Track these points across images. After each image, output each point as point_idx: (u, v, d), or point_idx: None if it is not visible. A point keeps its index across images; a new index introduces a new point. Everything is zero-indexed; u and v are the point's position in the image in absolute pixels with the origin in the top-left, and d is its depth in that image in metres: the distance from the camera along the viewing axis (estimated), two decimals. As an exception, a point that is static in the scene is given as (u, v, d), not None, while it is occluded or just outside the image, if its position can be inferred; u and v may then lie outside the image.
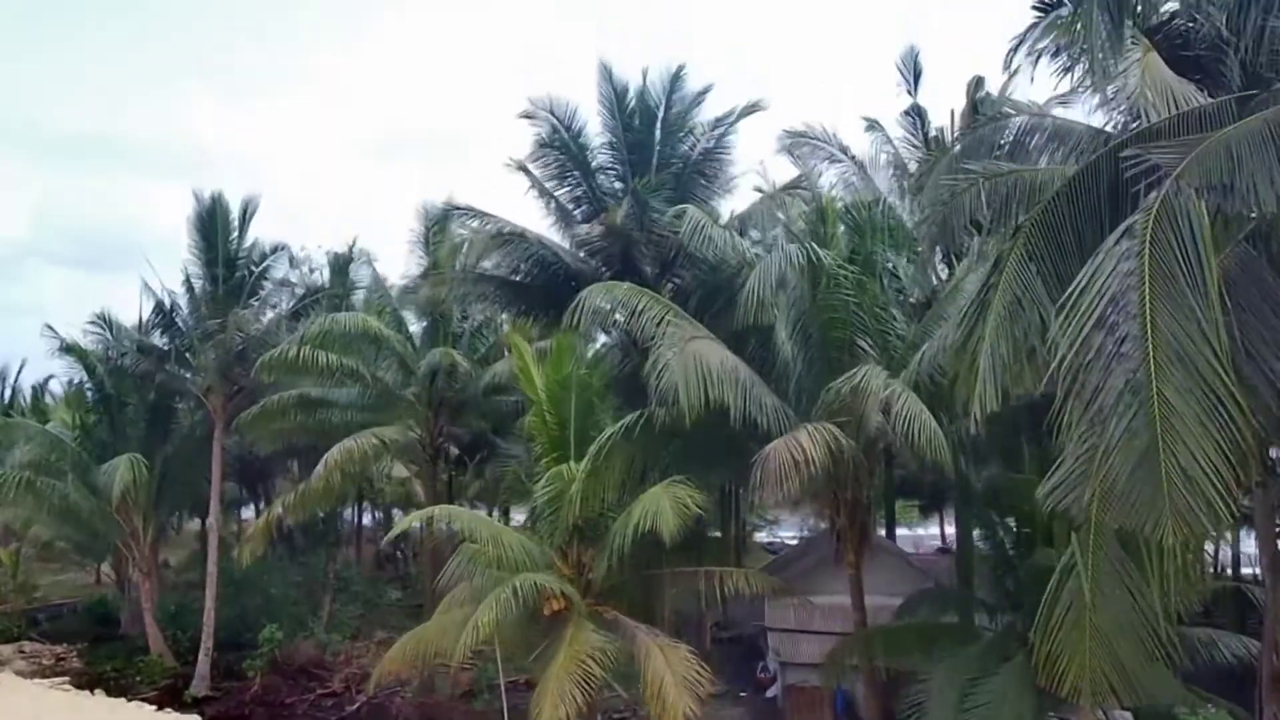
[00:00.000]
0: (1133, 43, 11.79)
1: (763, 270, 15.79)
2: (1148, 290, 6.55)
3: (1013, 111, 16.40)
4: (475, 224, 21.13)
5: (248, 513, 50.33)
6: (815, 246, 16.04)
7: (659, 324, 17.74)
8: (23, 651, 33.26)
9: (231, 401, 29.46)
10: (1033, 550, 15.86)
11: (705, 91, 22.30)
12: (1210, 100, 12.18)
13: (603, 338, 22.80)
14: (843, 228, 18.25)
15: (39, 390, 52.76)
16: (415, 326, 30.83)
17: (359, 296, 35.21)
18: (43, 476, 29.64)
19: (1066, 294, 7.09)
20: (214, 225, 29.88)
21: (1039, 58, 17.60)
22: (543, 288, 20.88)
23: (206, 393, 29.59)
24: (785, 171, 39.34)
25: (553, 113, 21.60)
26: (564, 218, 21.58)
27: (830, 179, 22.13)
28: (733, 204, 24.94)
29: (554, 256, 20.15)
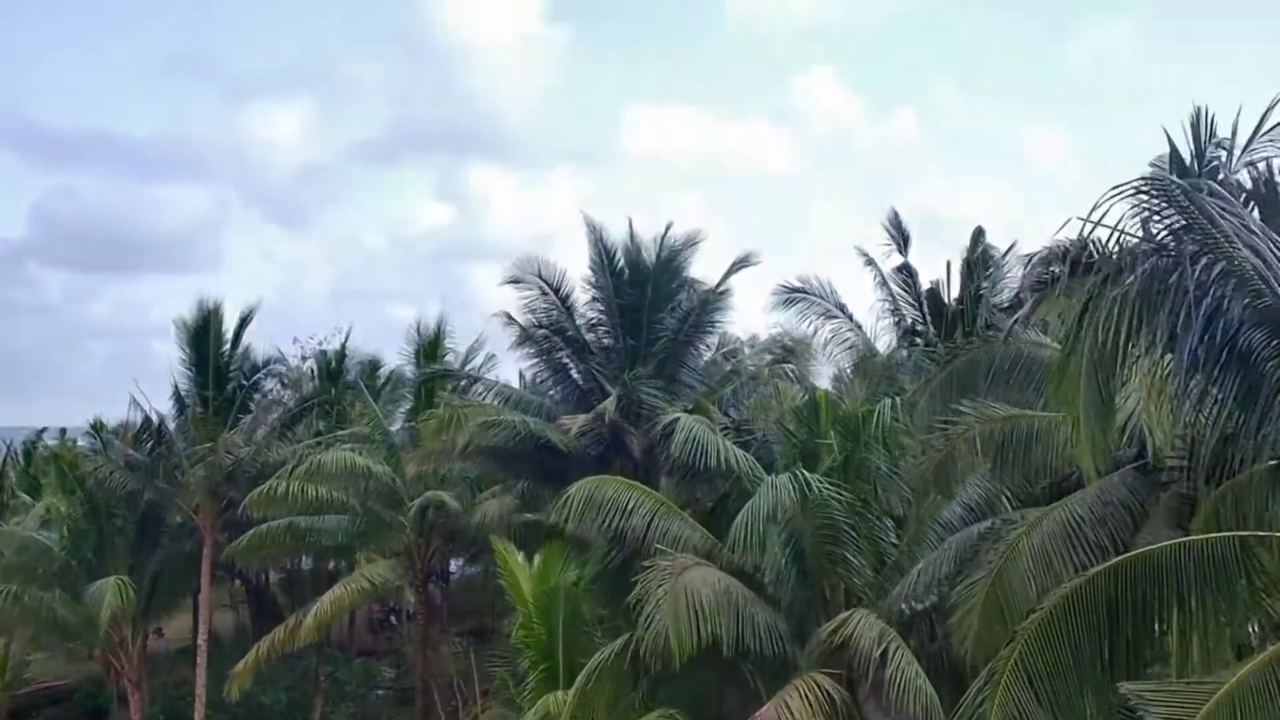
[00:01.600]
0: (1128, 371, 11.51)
1: (753, 509, 15.56)
2: None
3: (1006, 336, 16.16)
4: (461, 391, 20.99)
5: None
6: (805, 475, 15.80)
7: (651, 520, 17.60)
8: (9, 757, 33.04)
9: (221, 518, 29.30)
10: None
11: (696, 241, 22.17)
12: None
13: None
14: (836, 421, 18.00)
15: (30, 449, 52.43)
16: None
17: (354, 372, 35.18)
18: (30, 588, 29.55)
19: None
20: (206, 339, 29.66)
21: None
22: (531, 456, 20.72)
23: (196, 509, 29.35)
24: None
25: (540, 275, 21.41)
26: (555, 379, 21.42)
27: (825, 334, 22.00)
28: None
29: (543, 433, 19.94)
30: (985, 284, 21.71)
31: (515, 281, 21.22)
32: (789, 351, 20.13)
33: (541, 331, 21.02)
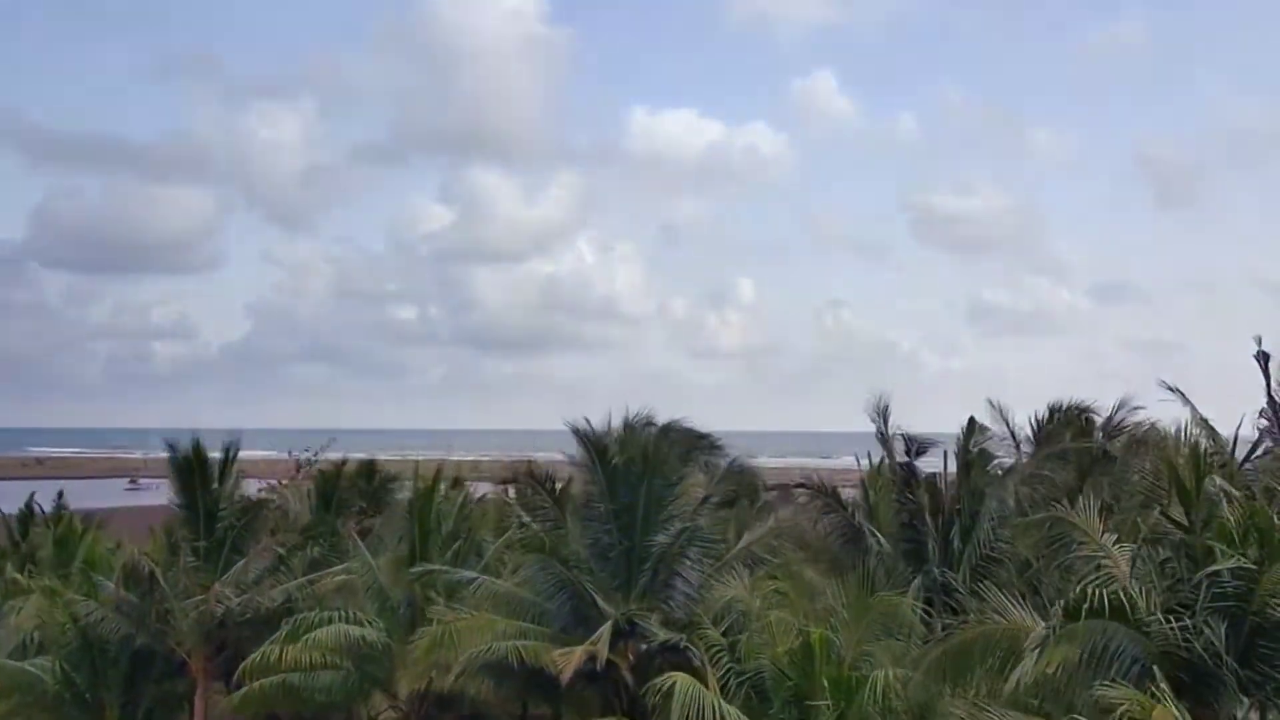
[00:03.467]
0: None
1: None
2: None
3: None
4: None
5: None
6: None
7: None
8: None
9: (213, 661, 29.24)
10: None
11: (696, 434, 22.08)
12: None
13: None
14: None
15: (26, 517, 51.99)
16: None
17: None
18: (21, 721, 29.64)
19: None
20: (192, 480, 29.60)
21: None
22: (525, 672, 20.60)
23: (189, 654, 29.24)
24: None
25: (533, 476, 21.32)
26: (551, 587, 21.32)
27: (825, 526, 21.93)
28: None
29: (536, 659, 19.78)
30: (983, 481, 21.52)
31: (509, 483, 21.11)
32: (783, 595, 19.95)
33: (535, 553, 20.93)
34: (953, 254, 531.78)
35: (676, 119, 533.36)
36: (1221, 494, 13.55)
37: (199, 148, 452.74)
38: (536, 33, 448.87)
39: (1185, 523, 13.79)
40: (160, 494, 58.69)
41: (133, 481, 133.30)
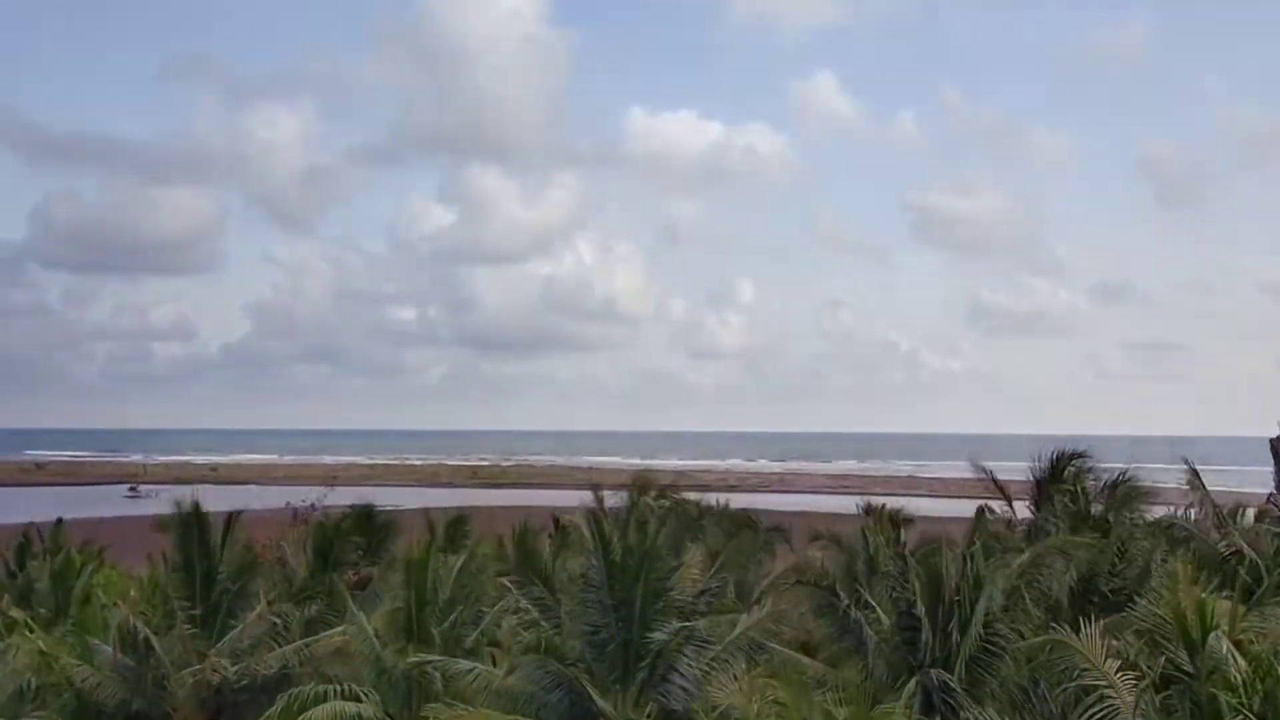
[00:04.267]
0: None
1: None
2: None
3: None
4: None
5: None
6: None
7: None
8: None
9: (210, 726, 29.10)
10: None
11: (695, 506, 21.89)
12: None
13: None
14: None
15: (24, 546, 51.86)
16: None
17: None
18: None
19: None
20: (191, 543, 29.50)
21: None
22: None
23: None
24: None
25: (531, 568, 21.09)
26: (549, 683, 21.20)
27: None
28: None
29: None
30: (984, 572, 21.34)
31: (505, 575, 20.99)
32: (782, 705, 19.77)
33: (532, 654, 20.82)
34: (953, 254, 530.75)
35: (676, 120, 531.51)
36: (1229, 655, 13.37)
37: (199, 148, 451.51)
38: (537, 33, 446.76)
39: (1191, 670, 13.65)
40: (160, 502, 58.46)
41: (133, 489, 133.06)
